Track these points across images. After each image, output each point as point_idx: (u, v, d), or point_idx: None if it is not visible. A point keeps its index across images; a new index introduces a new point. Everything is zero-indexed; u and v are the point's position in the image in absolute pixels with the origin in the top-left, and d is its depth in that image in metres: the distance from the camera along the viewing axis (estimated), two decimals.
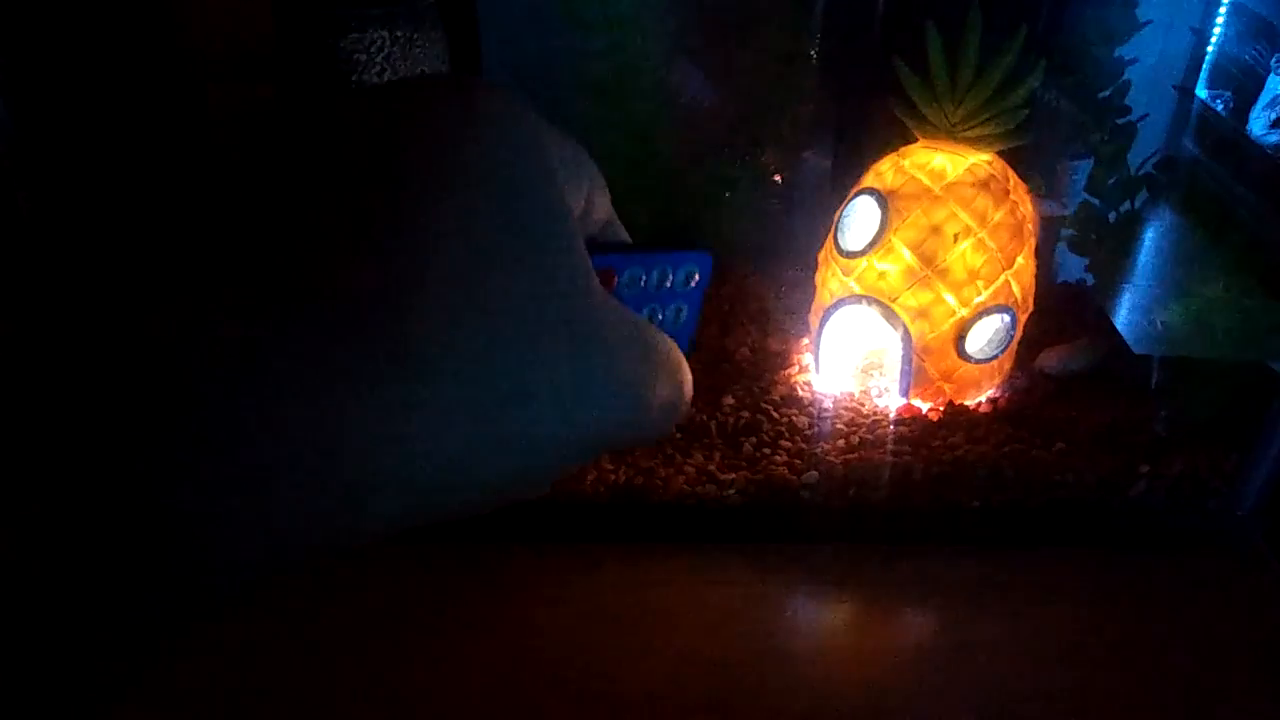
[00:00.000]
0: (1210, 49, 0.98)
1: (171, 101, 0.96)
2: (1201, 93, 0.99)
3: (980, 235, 0.81)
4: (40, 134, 0.81)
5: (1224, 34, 0.98)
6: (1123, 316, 0.94)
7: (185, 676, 0.70)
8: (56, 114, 0.85)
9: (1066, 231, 0.98)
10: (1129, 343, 0.90)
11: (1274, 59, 0.97)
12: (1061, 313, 1.00)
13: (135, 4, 0.91)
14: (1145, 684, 0.72)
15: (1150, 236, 0.93)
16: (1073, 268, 1.05)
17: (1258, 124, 0.98)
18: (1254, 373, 0.87)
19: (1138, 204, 0.94)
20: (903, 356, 0.84)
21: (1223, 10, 0.96)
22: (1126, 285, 0.94)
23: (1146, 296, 0.92)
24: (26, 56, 0.80)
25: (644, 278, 0.38)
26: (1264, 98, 0.99)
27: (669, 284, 0.39)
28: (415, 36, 0.73)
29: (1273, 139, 0.96)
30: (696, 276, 0.41)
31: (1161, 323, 0.90)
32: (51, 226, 0.80)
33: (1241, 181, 0.95)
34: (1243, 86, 0.99)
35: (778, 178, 1.05)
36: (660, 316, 0.40)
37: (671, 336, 0.35)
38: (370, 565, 0.79)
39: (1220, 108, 1.00)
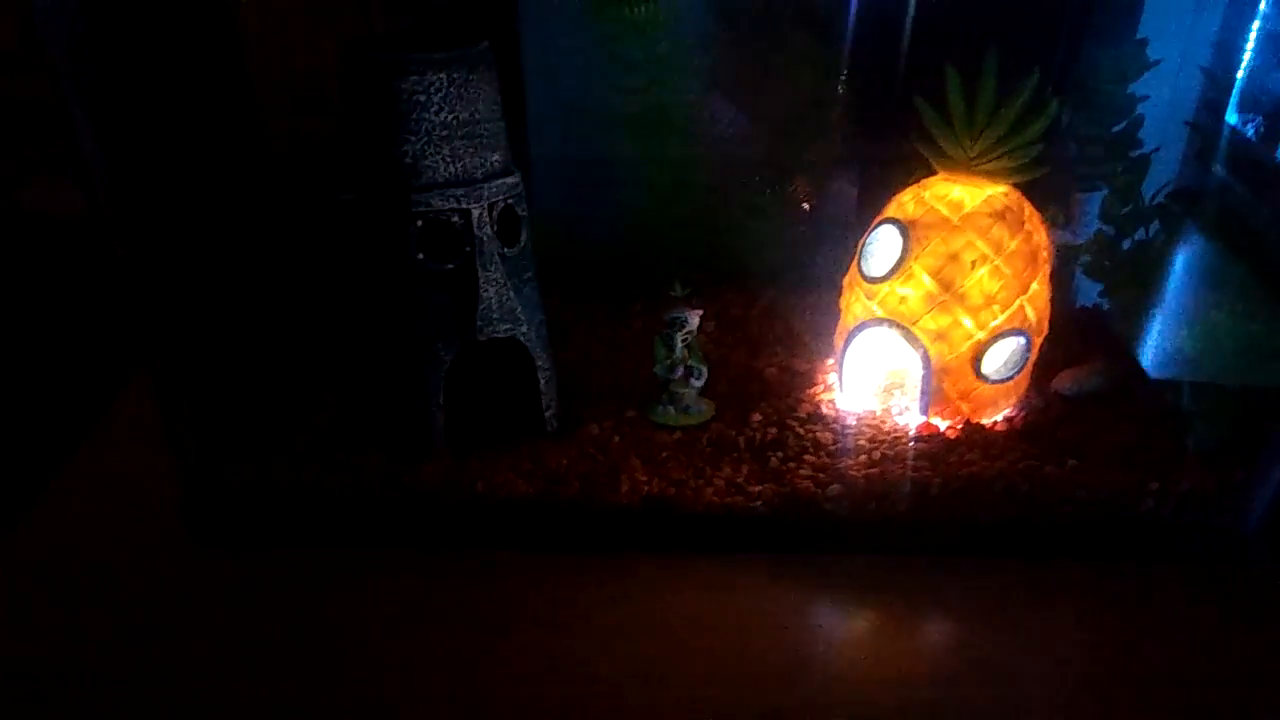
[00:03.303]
0: (1240, 75, 1.00)
1: (238, 135, 1.03)
2: (1232, 118, 1.02)
3: (996, 262, 0.85)
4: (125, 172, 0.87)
5: (1254, 60, 1.01)
6: (1136, 339, 0.97)
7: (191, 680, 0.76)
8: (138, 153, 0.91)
9: (1084, 259, 1.02)
10: (1142, 365, 0.94)
11: None
12: (1079, 335, 1.04)
13: (205, 46, 0.99)
14: (1156, 696, 0.75)
15: (1163, 263, 0.97)
16: (1091, 292, 1.09)
17: None
18: (1262, 394, 0.90)
19: (1151, 233, 0.98)
20: (922, 377, 0.89)
21: (1253, 36, 0.99)
22: (1140, 309, 0.98)
23: (1159, 320, 0.96)
24: (108, 97, 0.87)
25: None
26: None
27: None
28: (471, 78, 0.79)
29: None
30: None
31: (1173, 346, 0.94)
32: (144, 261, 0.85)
33: (1272, 205, 0.97)
34: (1275, 111, 1.02)
35: (806, 205, 1.10)
36: None
37: None
38: (410, 571, 0.85)
39: (1251, 132, 1.03)
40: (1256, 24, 0.98)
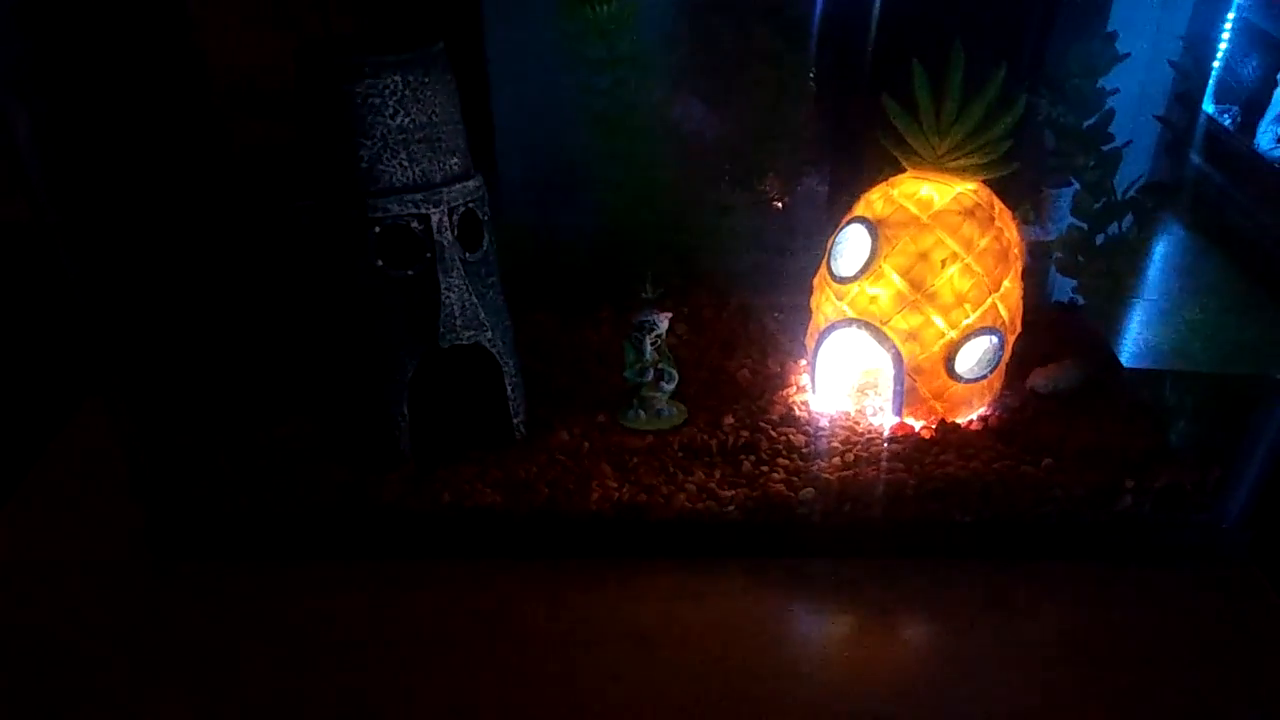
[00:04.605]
0: (1216, 64, 0.99)
1: (194, 140, 1.01)
2: (1209, 107, 1.01)
3: (967, 261, 0.84)
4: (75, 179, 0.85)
5: (1230, 50, 1.00)
6: (1111, 335, 0.96)
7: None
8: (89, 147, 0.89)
9: (1056, 255, 1.01)
10: (1117, 360, 0.93)
11: None
12: (1054, 332, 1.03)
13: (165, 51, 0.97)
14: (1136, 690, 0.74)
15: (1136, 257, 0.96)
16: (1067, 288, 1.08)
17: (1265, 138, 1.01)
18: (1236, 388, 0.89)
19: (1123, 227, 0.97)
20: (894, 377, 0.88)
21: (1228, 26, 0.99)
22: (1114, 304, 0.97)
23: (1133, 315, 0.96)
24: (64, 94, 0.85)
25: None
26: (1271, 111, 1.02)
27: None
28: (426, 80, 0.77)
29: None
30: None
31: (1148, 340, 0.93)
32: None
33: (1249, 195, 0.97)
34: (1250, 101, 1.02)
35: (777, 204, 1.09)
36: None
37: None
38: (376, 582, 0.83)
39: (1228, 122, 1.02)
40: (1231, 15, 0.98)
